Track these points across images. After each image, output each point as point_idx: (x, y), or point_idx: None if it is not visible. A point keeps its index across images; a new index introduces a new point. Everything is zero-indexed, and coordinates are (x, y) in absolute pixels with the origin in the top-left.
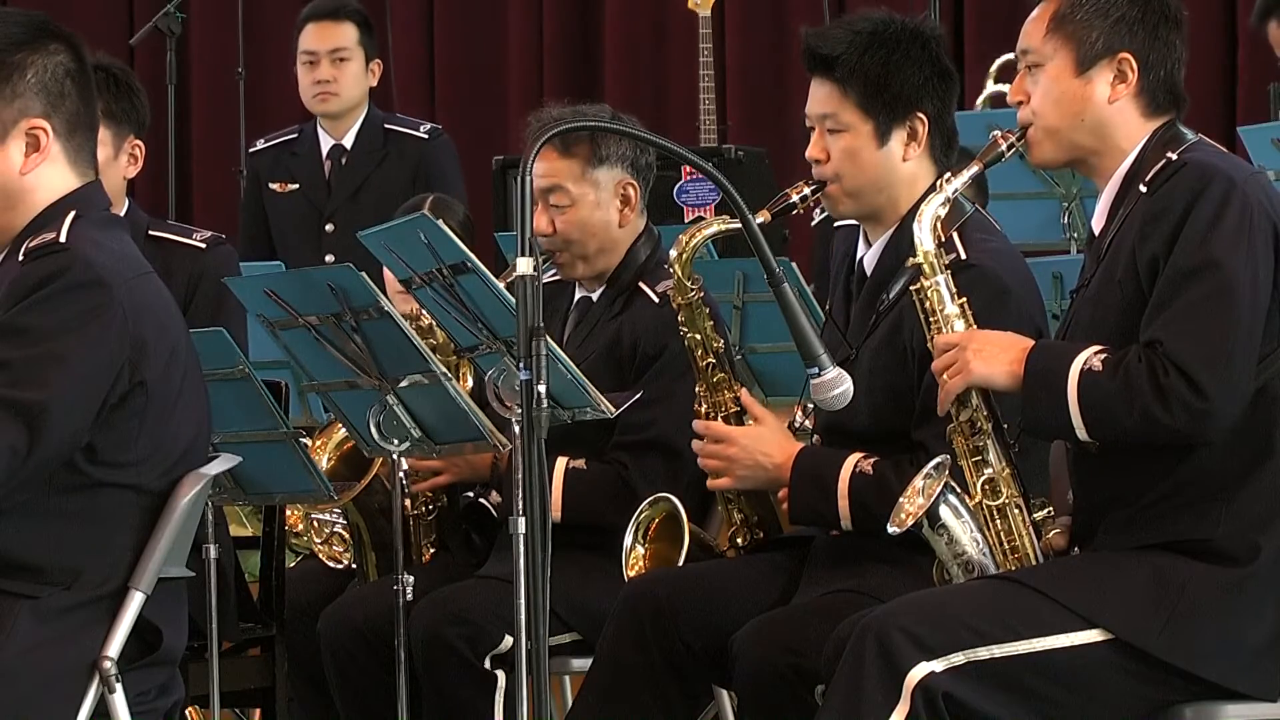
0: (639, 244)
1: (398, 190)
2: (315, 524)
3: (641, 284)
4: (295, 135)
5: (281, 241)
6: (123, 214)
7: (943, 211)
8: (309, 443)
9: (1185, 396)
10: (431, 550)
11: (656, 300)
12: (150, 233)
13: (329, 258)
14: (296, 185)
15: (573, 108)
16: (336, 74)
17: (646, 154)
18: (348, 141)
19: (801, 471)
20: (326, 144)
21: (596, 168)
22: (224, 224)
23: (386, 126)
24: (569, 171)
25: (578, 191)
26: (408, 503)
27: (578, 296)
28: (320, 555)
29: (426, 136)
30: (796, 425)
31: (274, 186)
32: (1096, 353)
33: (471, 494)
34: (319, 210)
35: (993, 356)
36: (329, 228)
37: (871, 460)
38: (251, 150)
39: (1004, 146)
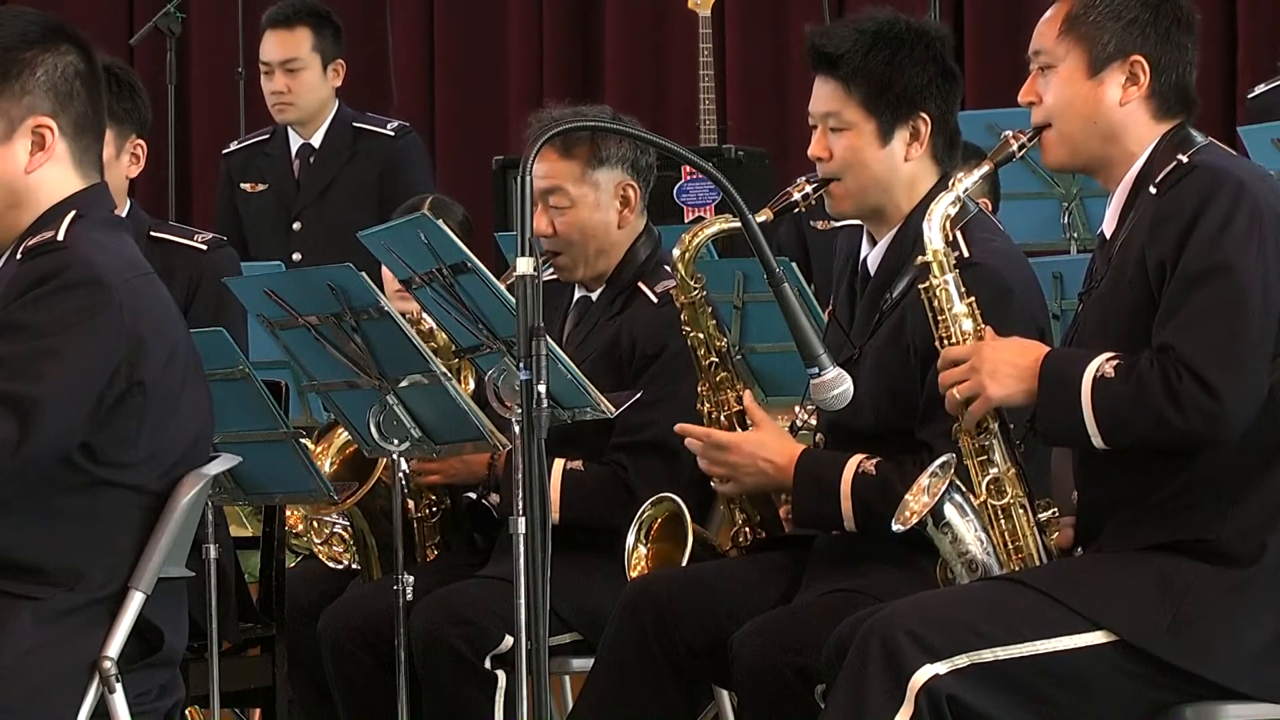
0: (639, 244)
1: (365, 189)
2: (315, 524)
3: (641, 284)
4: (268, 136)
5: (253, 241)
6: (125, 214)
7: (953, 210)
8: (309, 444)
9: (1199, 400)
10: (435, 552)
11: (656, 301)
12: (152, 234)
13: (296, 256)
14: (266, 185)
15: (574, 108)
16: (290, 84)
17: (647, 155)
18: (316, 141)
19: (803, 474)
20: (296, 143)
21: (597, 169)
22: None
23: (355, 125)
24: (569, 173)
25: (577, 193)
26: (411, 504)
27: (577, 296)
28: (320, 555)
29: (394, 135)
30: (799, 425)
31: (245, 187)
32: (1109, 359)
33: (473, 494)
34: (287, 209)
35: (1008, 376)
36: (296, 226)
37: (874, 461)
38: (225, 151)
39: (1015, 146)
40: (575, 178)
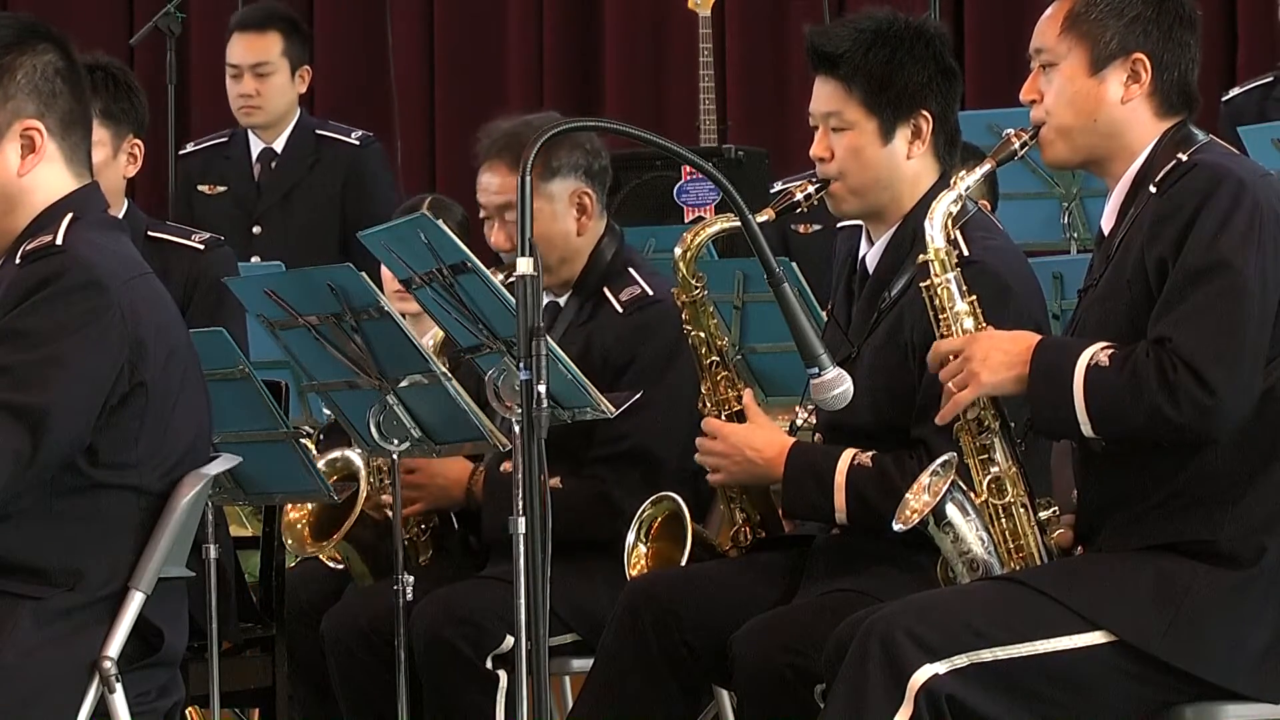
0: (602, 245)
1: (327, 196)
2: None
3: (606, 290)
4: (226, 139)
5: None
6: (122, 214)
7: (954, 209)
8: (309, 444)
9: (1193, 393)
10: (427, 562)
11: (621, 311)
12: (149, 233)
13: (255, 259)
14: (225, 188)
15: (522, 119)
16: (259, 87)
17: (599, 159)
18: (278, 146)
19: (796, 464)
20: (257, 148)
21: (549, 180)
22: None
23: (318, 133)
24: None
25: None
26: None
27: (545, 302)
28: (320, 556)
29: (358, 143)
30: (799, 425)
31: (203, 189)
32: (1103, 348)
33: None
34: (247, 213)
35: (999, 364)
36: (256, 230)
37: (870, 454)
38: (181, 153)
39: (1017, 145)
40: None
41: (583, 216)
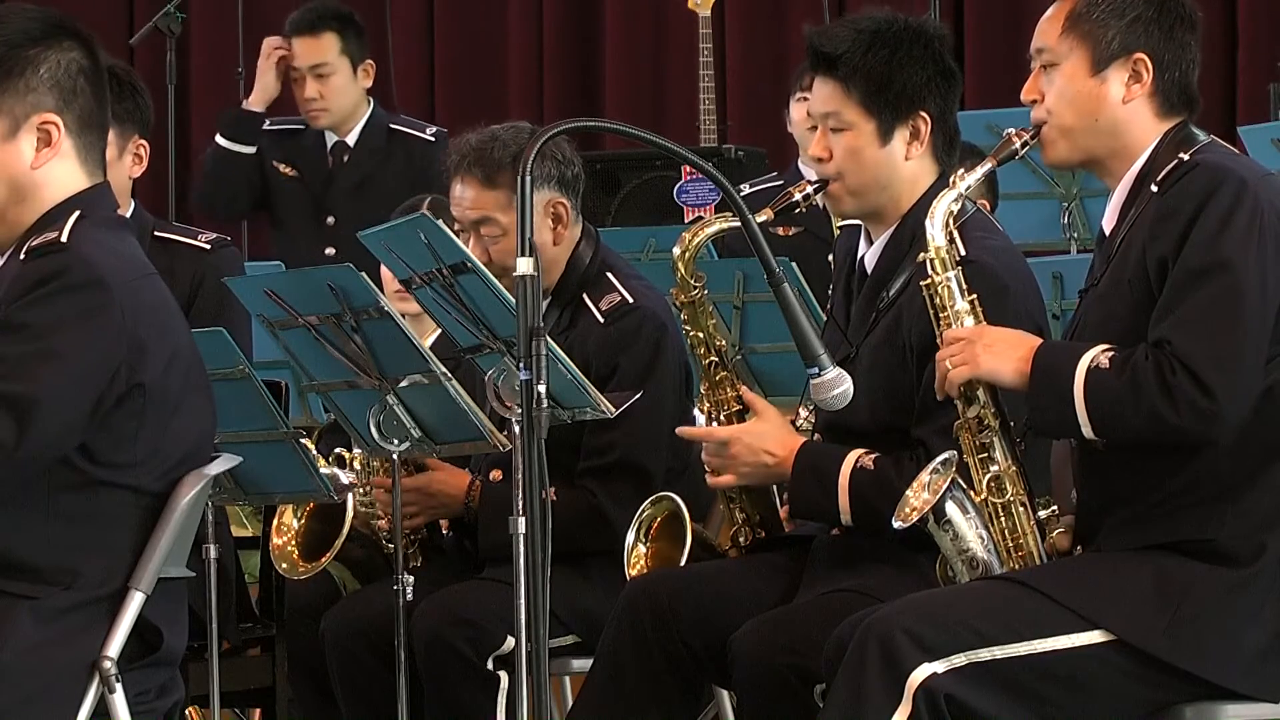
0: (579, 251)
1: (399, 190)
2: None
3: (585, 297)
4: (304, 126)
5: (282, 226)
6: (129, 215)
7: (955, 208)
8: (309, 444)
9: (1193, 396)
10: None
11: (602, 320)
12: (156, 233)
13: (330, 250)
14: (296, 173)
15: (489, 131)
16: (321, 89)
17: (572, 167)
18: (351, 139)
19: (802, 466)
20: (330, 139)
21: None
22: (224, 224)
23: (391, 126)
24: (495, 202)
25: (507, 220)
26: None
27: None
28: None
29: (432, 139)
30: (799, 424)
31: (280, 166)
32: (1104, 351)
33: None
34: (319, 202)
35: (1001, 353)
36: (330, 220)
37: (873, 456)
38: (265, 126)
39: (1018, 144)
40: (502, 206)
41: (558, 226)
